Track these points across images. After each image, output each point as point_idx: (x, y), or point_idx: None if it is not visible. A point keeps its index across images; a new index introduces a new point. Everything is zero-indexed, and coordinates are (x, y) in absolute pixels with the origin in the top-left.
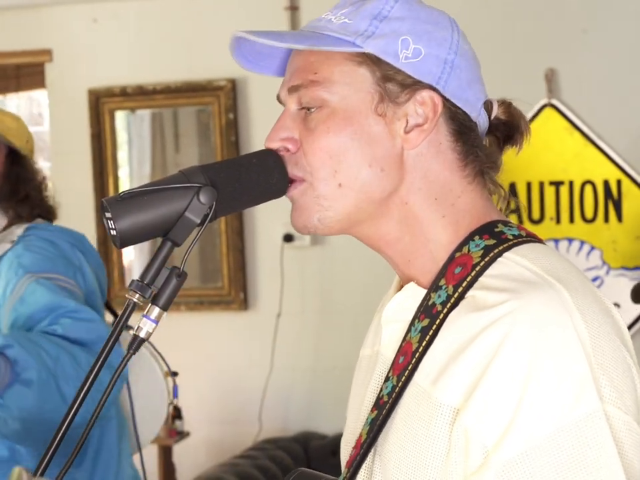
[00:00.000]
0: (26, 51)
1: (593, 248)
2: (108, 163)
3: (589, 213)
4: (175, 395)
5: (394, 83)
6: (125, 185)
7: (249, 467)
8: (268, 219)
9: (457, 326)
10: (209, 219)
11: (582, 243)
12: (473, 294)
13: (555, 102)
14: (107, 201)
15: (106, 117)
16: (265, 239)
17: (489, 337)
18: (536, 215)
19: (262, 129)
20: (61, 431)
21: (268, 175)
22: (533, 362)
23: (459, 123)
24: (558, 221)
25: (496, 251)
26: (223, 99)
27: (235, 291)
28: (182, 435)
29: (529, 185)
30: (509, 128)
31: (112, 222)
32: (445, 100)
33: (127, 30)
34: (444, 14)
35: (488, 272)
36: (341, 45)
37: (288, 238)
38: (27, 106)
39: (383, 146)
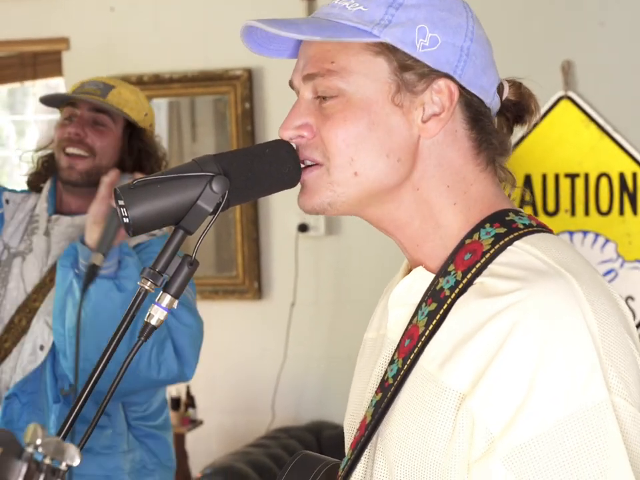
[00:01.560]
0: (43, 39)
1: (607, 241)
2: None
3: (604, 206)
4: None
5: (411, 72)
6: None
7: (262, 456)
8: (283, 209)
9: (465, 311)
10: (221, 207)
11: (597, 235)
12: (482, 280)
13: (571, 94)
14: (120, 189)
15: None
16: (280, 228)
17: (499, 324)
18: (551, 207)
19: (278, 119)
20: (81, 400)
21: (281, 165)
22: (542, 350)
23: (474, 110)
24: (573, 213)
25: (506, 239)
26: (239, 88)
27: (250, 280)
28: (195, 423)
29: (544, 177)
30: (519, 109)
31: (125, 209)
32: (462, 88)
33: (144, 19)
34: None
35: (498, 259)
36: (358, 36)
37: (303, 228)
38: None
39: (400, 136)
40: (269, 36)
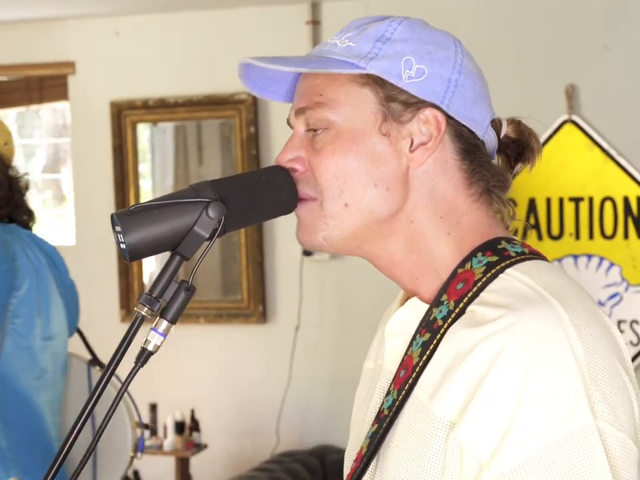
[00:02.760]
0: (49, 63)
1: (612, 264)
2: (129, 174)
3: (608, 229)
4: (140, 449)
5: (397, 102)
6: (146, 197)
7: None
8: (288, 233)
9: (454, 340)
10: (217, 233)
11: (601, 259)
12: (472, 309)
13: (575, 118)
14: (117, 215)
15: (128, 130)
16: (285, 252)
17: (484, 351)
18: (555, 230)
19: (282, 143)
20: (64, 450)
21: (277, 191)
22: (527, 377)
23: (464, 141)
24: (577, 236)
25: (498, 267)
26: (244, 112)
27: (254, 304)
28: (199, 447)
29: (548, 201)
30: (519, 146)
31: (121, 235)
32: (450, 118)
33: (149, 43)
34: (447, 35)
35: (489, 287)
36: (344, 67)
37: (307, 252)
38: (50, 117)
39: (388, 165)
40: (268, 77)
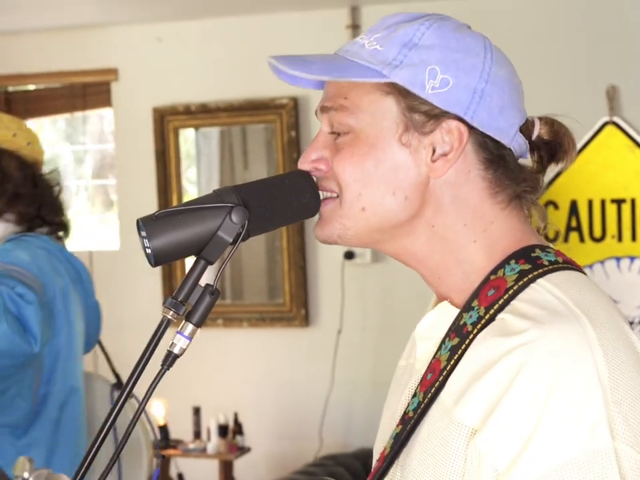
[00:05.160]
0: (92, 70)
1: None
2: (172, 180)
3: None
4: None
5: (420, 113)
6: None
7: None
8: None
9: (482, 348)
10: (240, 238)
11: None
12: (503, 317)
13: (616, 119)
14: (142, 220)
15: (170, 135)
16: (326, 256)
17: (510, 363)
18: (597, 232)
19: None
20: (96, 445)
21: (300, 195)
22: (550, 393)
23: (489, 151)
24: (620, 238)
25: (530, 276)
26: (285, 116)
27: (297, 308)
28: (243, 450)
29: (590, 203)
30: (553, 147)
31: (147, 240)
32: (474, 129)
33: (191, 49)
34: (478, 39)
35: (520, 296)
36: (366, 76)
37: (349, 255)
38: (96, 124)
39: (407, 174)
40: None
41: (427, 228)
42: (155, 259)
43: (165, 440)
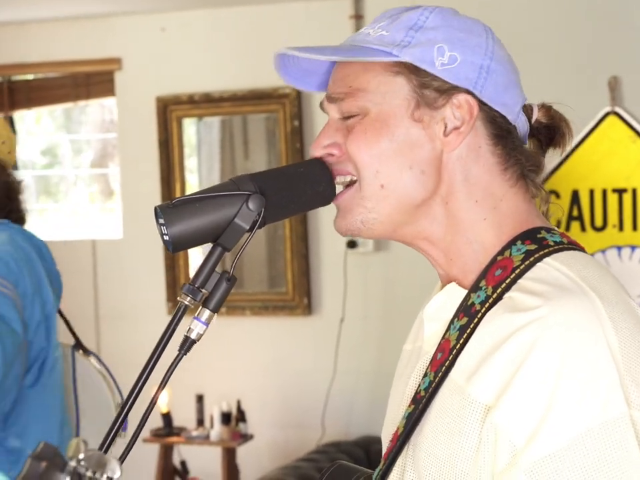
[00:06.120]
0: (96, 59)
1: None
2: (175, 169)
3: None
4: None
5: (430, 89)
6: (192, 191)
7: (312, 470)
8: (332, 225)
9: (492, 325)
10: (257, 225)
11: None
12: (510, 295)
13: (618, 110)
14: (160, 208)
15: (173, 124)
16: (329, 244)
17: (521, 339)
18: (599, 222)
19: None
20: (123, 413)
21: (315, 184)
22: (563, 366)
23: (497, 126)
24: (621, 228)
25: (536, 255)
26: (288, 106)
27: (299, 296)
28: (246, 437)
29: (591, 193)
30: (551, 131)
31: (165, 227)
32: (482, 104)
33: (194, 39)
34: (478, 22)
35: (527, 275)
36: (377, 55)
37: (352, 244)
38: (97, 113)
39: (422, 149)
40: (303, 69)
41: (441, 206)
42: (173, 245)
43: (168, 427)
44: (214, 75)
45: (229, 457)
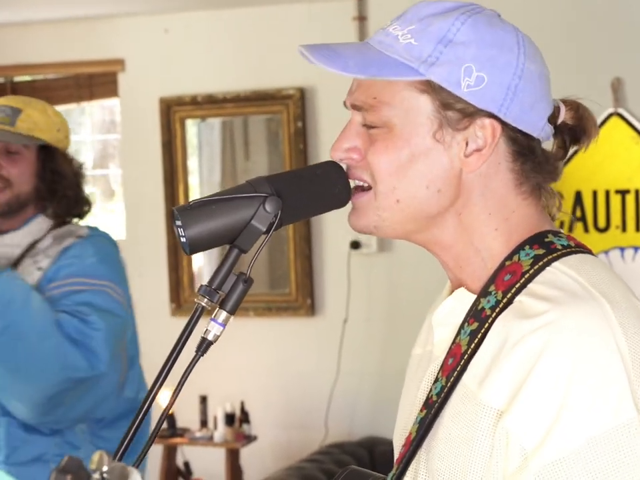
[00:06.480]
0: (99, 60)
1: None
2: (178, 170)
3: None
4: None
5: (454, 110)
6: (195, 192)
7: (315, 471)
8: (335, 226)
9: (503, 330)
10: (274, 227)
11: None
12: (521, 299)
13: (621, 111)
14: (178, 210)
15: (177, 125)
16: (332, 245)
17: (531, 343)
18: (602, 223)
19: (330, 138)
20: (138, 419)
21: (331, 186)
22: (574, 371)
23: (518, 144)
24: (624, 229)
25: (545, 259)
26: (292, 107)
27: (302, 297)
28: (249, 438)
29: (594, 194)
30: (577, 131)
31: (182, 229)
32: (506, 124)
33: (198, 40)
34: (512, 32)
35: (536, 279)
36: (403, 74)
37: (355, 245)
38: (100, 114)
39: (440, 168)
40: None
41: (454, 217)
42: (190, 247)
43: (171, 428)
44: (217, 76)
45: (233, 458)
